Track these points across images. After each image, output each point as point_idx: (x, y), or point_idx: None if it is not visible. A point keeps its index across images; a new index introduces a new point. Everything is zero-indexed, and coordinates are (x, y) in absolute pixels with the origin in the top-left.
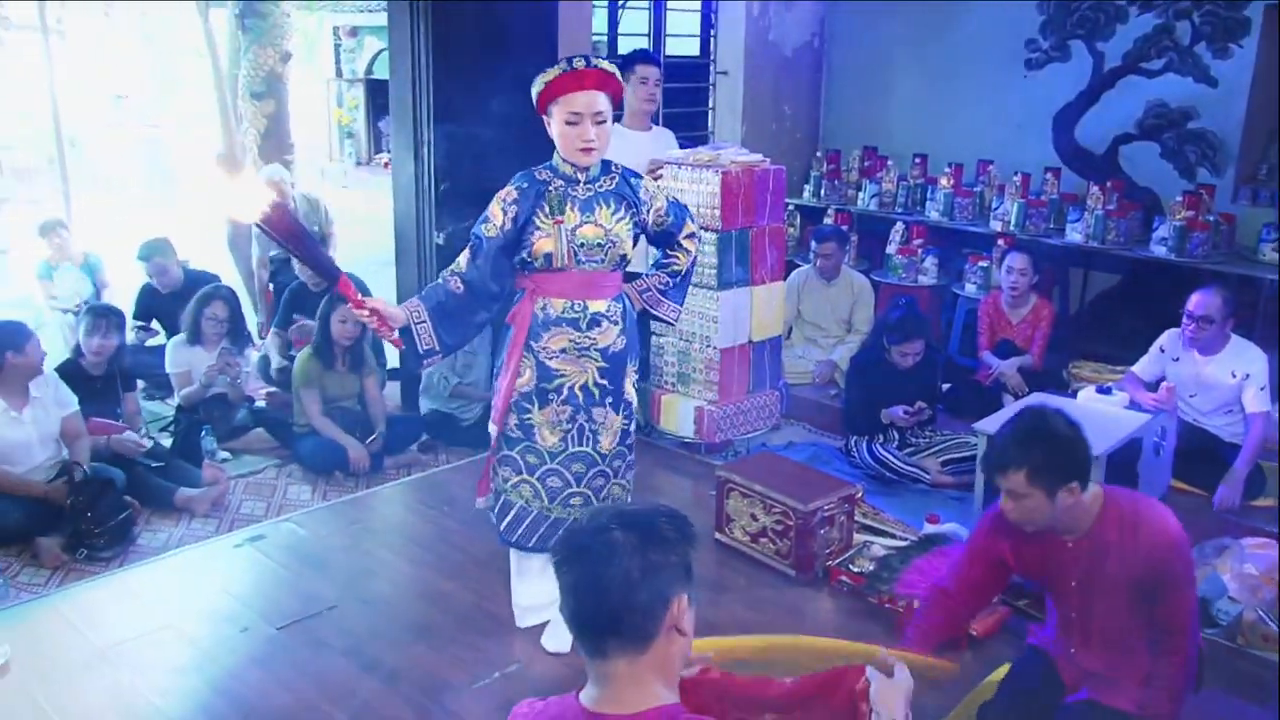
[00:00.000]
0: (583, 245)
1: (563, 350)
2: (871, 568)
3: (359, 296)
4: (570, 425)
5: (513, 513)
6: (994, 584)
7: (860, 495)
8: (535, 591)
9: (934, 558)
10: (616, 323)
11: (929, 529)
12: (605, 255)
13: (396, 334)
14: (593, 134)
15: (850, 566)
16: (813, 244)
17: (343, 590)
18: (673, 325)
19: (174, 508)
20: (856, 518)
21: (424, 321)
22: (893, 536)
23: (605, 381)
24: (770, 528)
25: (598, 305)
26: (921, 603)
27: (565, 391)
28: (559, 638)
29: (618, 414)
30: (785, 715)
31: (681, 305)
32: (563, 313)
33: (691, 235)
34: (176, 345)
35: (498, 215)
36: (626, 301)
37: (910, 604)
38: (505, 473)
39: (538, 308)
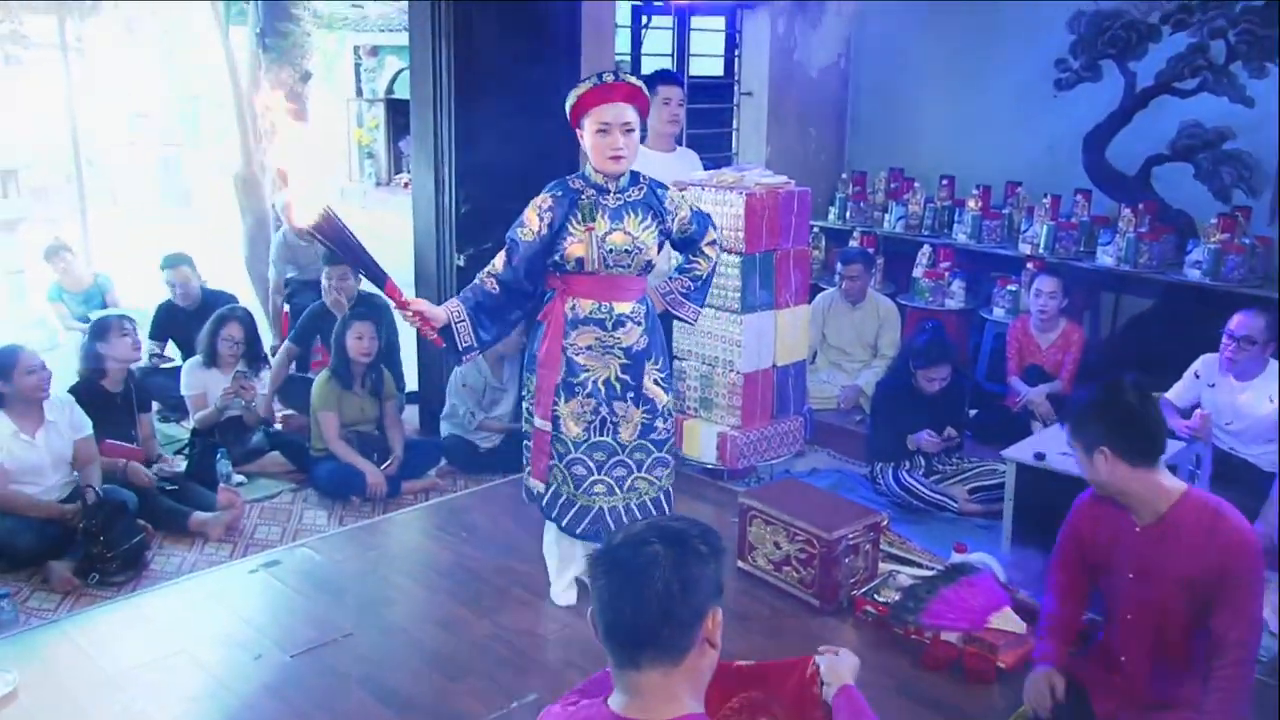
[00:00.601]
0: (611, 251)
1: (589, 347)
2: (897, 598)
3: (404, 297)
4: (594, 417)
5: (549, 493)
6: (1084, 579)
7: (886, 523)
8: (564, 564)
9: (961, 588)
10: (640, 323)
11: (956, 558)
12: (632, 261)
13: (437, 334)
14: (621, 143)
15: (875, 596)
16: (838, 266)
17: (358, 617)
18: (692, 325)
19: (188, 531)
20: (882, 546)
21: (463, 320)
22: (919, 566)
23: (627, 377)
24: (794, 556)
25: (623, 307)
26: (1039, 634)
27: (589, 385)
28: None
29: (638, 408)
30: (749, 688)
31: (701, 307)
32: (590, 313)
33: (713, 242)
34: (192, 367)
35: (534, 221)
36: (649, 303)
37: (937, 635)
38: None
39: (567, 307)
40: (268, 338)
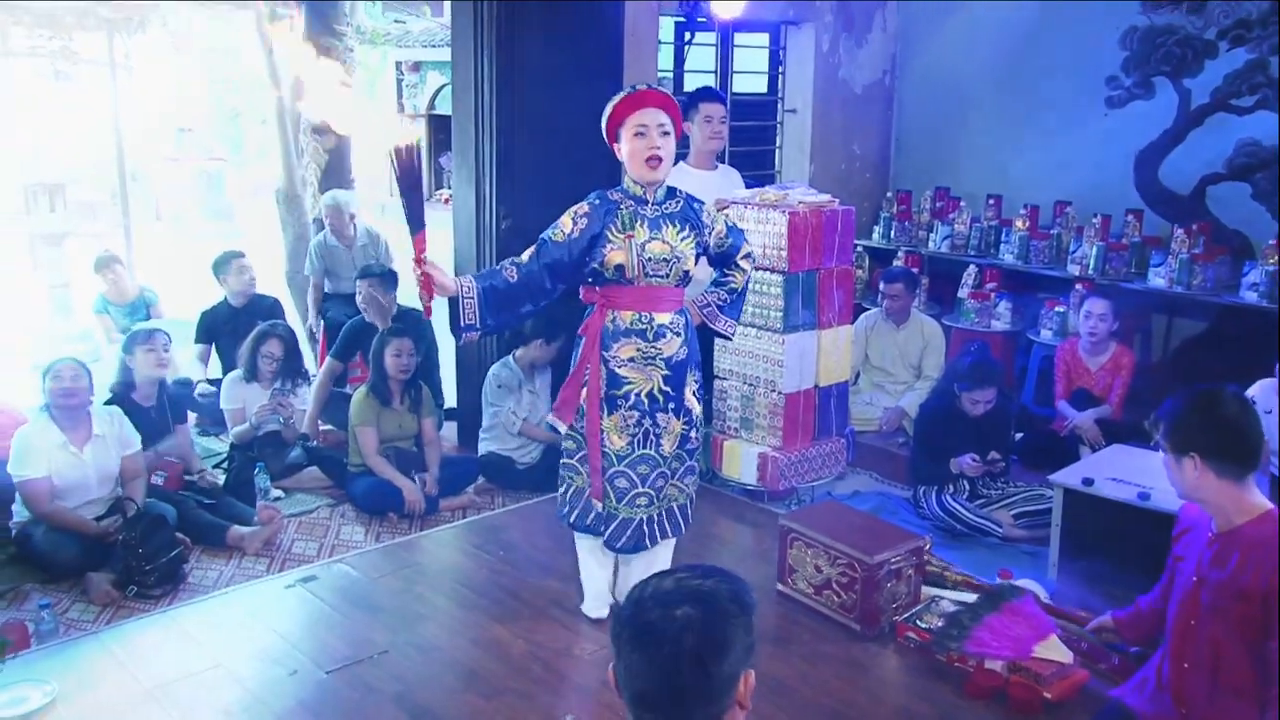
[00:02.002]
0: (650, 260)
1: (630, 359)
2: (940, 624)
3: (424, 255)
4: (637, 430)
5: (582, 502)
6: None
7: (929, 548)
8: (597, 577)
9: (1006, 616)
10: (679, 334)
11: (1002, 585)
12: (670, 270)
13: (433, 301)
14: (659, 143)
15: (918, 622)
16: (881, 286)
17: (394, 634)
18: (729, 339)
19: (225, 545)
20: (925, 571)
21: (471, 298)
22: (963, 592)
23: (669, 389)
24: (835, 580)
25: (662, 318)
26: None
27: (632, 398)
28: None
29: (678, 419)
30: None
31: (737, 321)
32: (631, 324)
33: (747, 256)
34: (232, 381)
35: (568, 224)
36: (687, 315)
37: (981, 663)
38: (586, 471)
39: (608, 320)
40: (309, 353)
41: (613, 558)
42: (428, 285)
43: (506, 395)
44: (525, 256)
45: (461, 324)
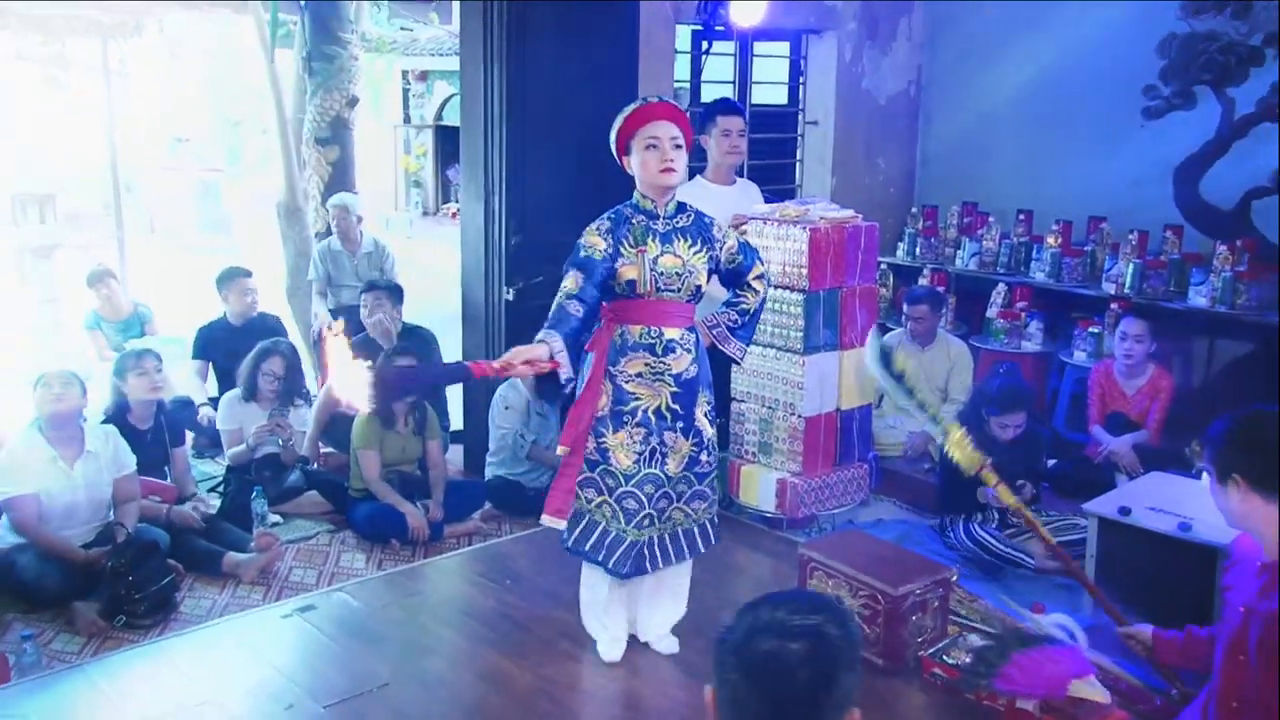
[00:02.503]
0: (662, 274)
1: (638, 374)
2: (968, 660)
3: (498, 363)
4: (644, 447)
5: (597, 533)
6: None
7: (956, 579)
8: (621, 619)
9: (1040, 651)
10: (689, 351)
11: (1034, 620)
12: (682, 285)
13: (547, 367)
14: (671, 155)
15: (944, 658)
16: (905, 306)
17: (396, 667)
18: (739, 364)
19: (220, 573)
20: (951, 604)
21: (563, 352)
22: (992, 626)
23: (677, 406)
24: (857, 612)
25: (672, 333)
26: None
27: (639, 414)
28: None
29: (686, 439)
30: None
31: (748, 345)
32: (640, 339)
33: (760, 276)
34: (230, 401)
35: (598, 241)
36: (698, 333)
37: (1012, 702)
38: (589, 493)
39: (615, 335)
40: (311, 371)
41: (632, 591)
42: (534, 366)
43: (515, 418)
44: (576, 285)
45: (562, 384)
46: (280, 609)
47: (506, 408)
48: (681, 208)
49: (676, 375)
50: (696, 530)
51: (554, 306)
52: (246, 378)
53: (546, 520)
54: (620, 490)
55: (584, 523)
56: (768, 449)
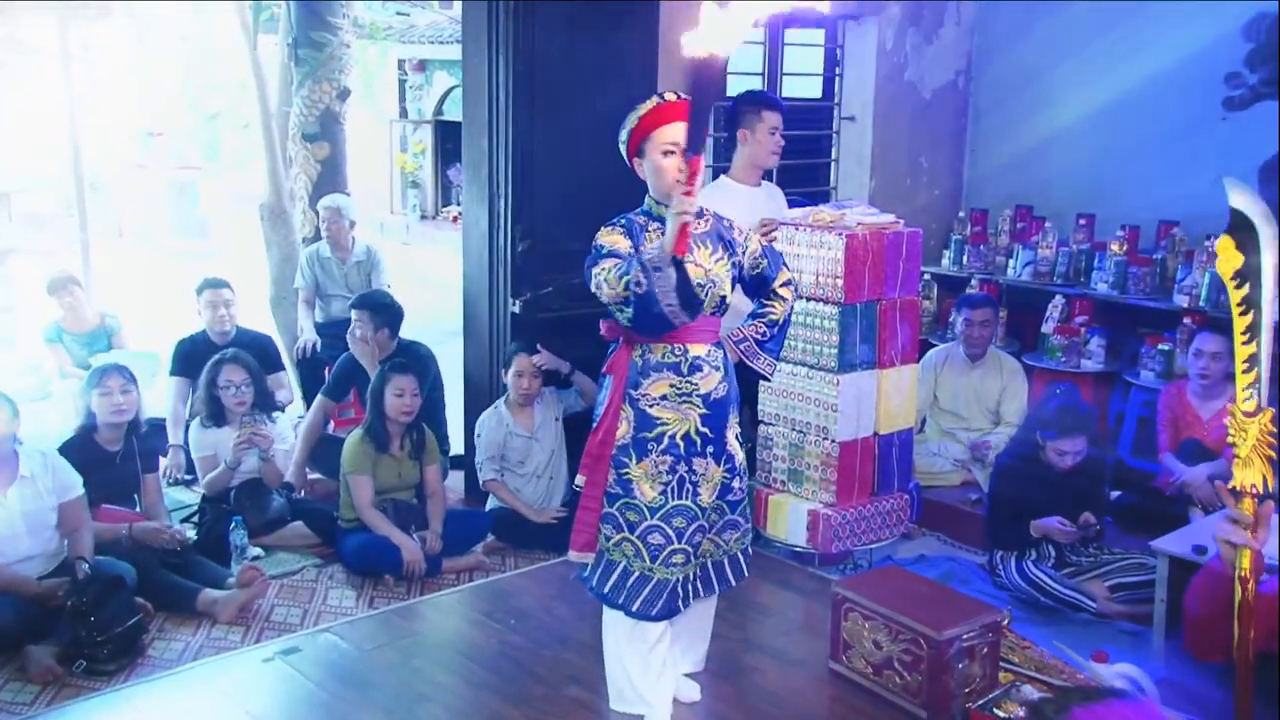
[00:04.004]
0: None
1: (663, 397)
2: (1022, 714)
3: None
4: (670, 477)
5: (616, 573)
6: None
7: (1007, 623)
8: (656, 674)
9: (1104, 708)
10: (718, 368)
11: (1096, 670)
12: (705, 295)
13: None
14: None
15: (995, 710)
16: (962, 312)
17: (388, 716)
18: (768, 380)
19: (195, 611)
20: (1002, 651)
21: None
22: (1049, 676)
23: (707, 430)
24: (897, 658)
25: (697, 349)
26: None
27: (665, 441)
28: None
29: (719, 465)
30: None
31: (778, 359)
32: (663, 358)
33: (788, 283)
34: (196, 429)
35: (618, 238)
36: (725, 349)
37: None
38: (607, 530)
39: (636, 355)
40: (295, 383)
41: (676, 651)
42: (684, 234)
43: (483, 449)
44: (614, 279)
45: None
46: (261, 651)
47: (478, 436)
48: (698, 212)
49: (705, 396)
50: (727, 562)
51: (614, 265)
52: (205, 399)
53: (574, 556)
54: (644, 525)
55: (602, 564)
56: (798, 477)
